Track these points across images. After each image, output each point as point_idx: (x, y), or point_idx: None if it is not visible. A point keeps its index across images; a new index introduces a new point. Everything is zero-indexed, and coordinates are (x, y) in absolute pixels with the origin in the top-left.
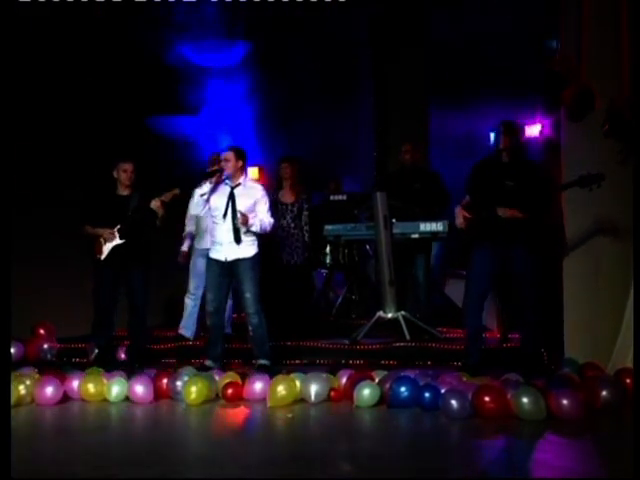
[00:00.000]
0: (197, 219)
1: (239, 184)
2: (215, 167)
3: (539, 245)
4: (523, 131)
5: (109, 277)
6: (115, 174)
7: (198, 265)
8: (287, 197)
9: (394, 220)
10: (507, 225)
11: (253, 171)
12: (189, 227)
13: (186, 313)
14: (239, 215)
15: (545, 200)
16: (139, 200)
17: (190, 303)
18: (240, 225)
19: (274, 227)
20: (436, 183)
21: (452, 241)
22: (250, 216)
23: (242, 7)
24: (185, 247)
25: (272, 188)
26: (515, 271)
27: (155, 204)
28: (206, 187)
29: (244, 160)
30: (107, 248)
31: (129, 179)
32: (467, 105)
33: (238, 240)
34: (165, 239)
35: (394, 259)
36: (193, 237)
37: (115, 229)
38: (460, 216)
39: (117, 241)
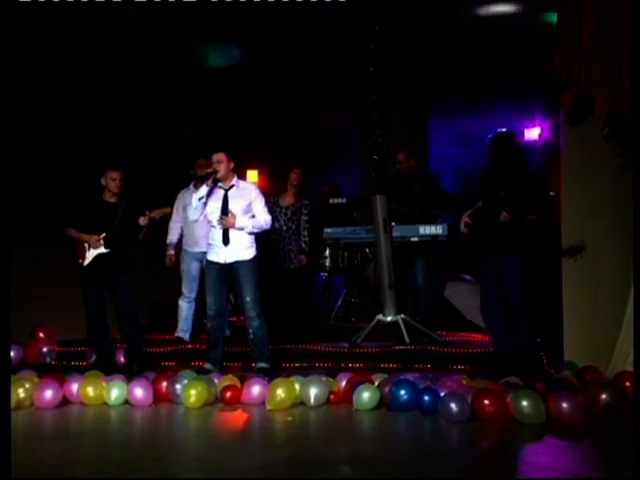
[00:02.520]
0: (188, 222)
1: (232, 186)
2: (209, 170)
3: (529, 251)
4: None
5: (94, 281)
6: (103, 181)
7: (191, 268)
8: (286, 201)
9: (394, 223)
10: (497, 232)
11: (252, 174)
12: (172, 236)
13: (182, 316)
14: (222, 216)
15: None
16: (126, 209)
17: (185, 306)
18: (224, 225)
19: (272, 225)
20: (435, 186)
21: (452, 244)
22: (245, 217)
23: (240, 7)
24: (171, 251)
25: (273, 191)
26: (505, 276)
27: (144, 221)
28: (203, 190)
29: (235, 161)
30: (91, 254)
31: (118, 187)
32: (467, 108)
33: (226, 241)
34: (155, 242)
35: (393, 262)
36: (176, 244)
37: (101, 237)
38: (462, 223)
39: (102, 249)
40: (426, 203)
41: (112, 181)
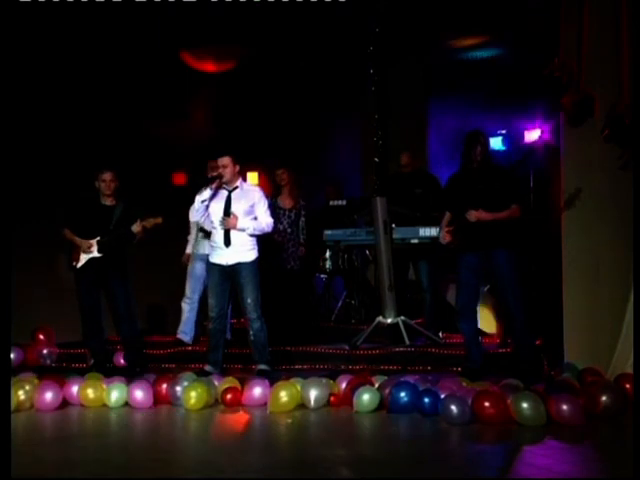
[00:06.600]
0: (197, 224)
1: (236, 187)
2: (215, 173)
3: (520, 248)
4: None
5: (87, 283)
6: (97, 184)
7: (197, 269)
8: (286, 202)
9: (394, 225)
10: (486, 230)
11: (252, 176)
12: (193, 232)
13: (183, 318)
14: (224, 217)
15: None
16: (122, 212)
17: (187, 307)
18: (225, 226)
19: (274, 228)
20: (436, 187)
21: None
22: (247, 219)
23: (240, 8)
24: (189, 250)
25: (270, 193)
26: (498, 275)
27: (137, 228)
28: (206, 193)
29: (240, 164)
30: (84, 258)
31: (109, 188)
32: (467, 110)
33: (227, 243)
34: (154, 244)
35: (395, 264)
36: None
37: (94, 241)
38: (442, 234)
39: (94, 254)
40: (428, 205)
41: (103, 182)
